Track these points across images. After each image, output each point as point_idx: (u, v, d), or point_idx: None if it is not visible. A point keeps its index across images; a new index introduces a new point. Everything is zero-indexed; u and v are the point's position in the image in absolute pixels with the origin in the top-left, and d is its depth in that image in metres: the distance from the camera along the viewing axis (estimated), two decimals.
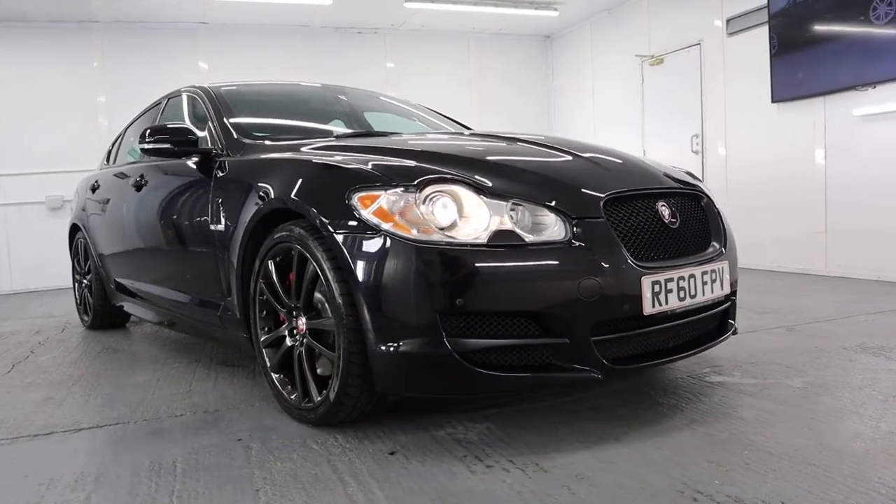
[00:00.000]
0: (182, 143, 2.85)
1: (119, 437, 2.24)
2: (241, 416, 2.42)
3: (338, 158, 2.26)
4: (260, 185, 2.41)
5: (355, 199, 2.00)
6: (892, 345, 3.01)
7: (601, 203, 2.04)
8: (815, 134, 5.38)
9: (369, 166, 2.11)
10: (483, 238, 1.90)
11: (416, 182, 1.97)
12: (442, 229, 1.90)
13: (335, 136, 3.05)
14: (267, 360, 2.41)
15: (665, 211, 2.19)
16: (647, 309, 2.00)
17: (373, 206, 1.96)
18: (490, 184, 2.01)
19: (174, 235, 3.08)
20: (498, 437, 2.07)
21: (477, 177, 2.04)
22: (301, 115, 3.36)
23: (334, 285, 2.00)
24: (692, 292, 2.12)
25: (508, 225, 1.93)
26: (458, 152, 2.34)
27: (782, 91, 5.56)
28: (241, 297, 2.52)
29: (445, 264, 1.86)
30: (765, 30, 5.64)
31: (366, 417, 2.19)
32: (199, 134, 2.93)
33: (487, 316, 1.89)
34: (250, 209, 2.41)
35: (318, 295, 2.15)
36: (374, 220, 1.94)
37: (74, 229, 4.65)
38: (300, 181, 2.22)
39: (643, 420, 2.17)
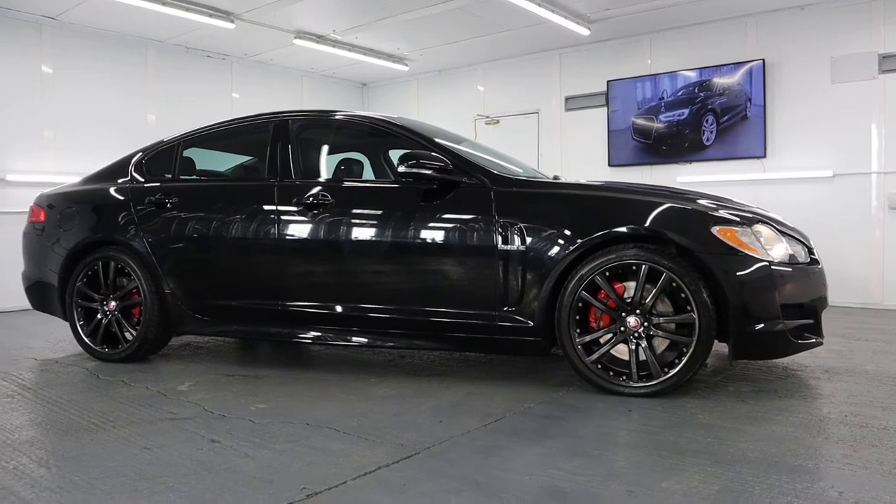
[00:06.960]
0: (443, 171, 3.21)
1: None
2: (574, 400, 2.92)
3: (674, 201, 3.04)
4: (587, 216, 3.05)
5: (716, 231, 2.88)
6: None
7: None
8: None
9: (718, 209, 3.00)
10: (787, 259, 2.97)
11: (748, 221, 2.95)
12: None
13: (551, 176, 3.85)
14: (581, 356, 3.01)
15: None
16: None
17: (730, 236, 2.87)
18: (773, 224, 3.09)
19: (424, 256, 3.29)
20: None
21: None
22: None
23: (700, 290, 2.83)
24: None
25: (791, 251, 3.04)
26: (720, 201, 3.26)
27: (617, 158, 7.56)
28: (546, 307, 3.06)
29: (783, 274, 2.90)
30: (602, 110, 7.59)
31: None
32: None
33: (787, 307, 2.93)
34: (577, 233, 2.99)
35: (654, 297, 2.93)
36: (734, 245, 2.85)
37: (91, 247, 3.99)
38: (666, 216, 2.96)
39: None
